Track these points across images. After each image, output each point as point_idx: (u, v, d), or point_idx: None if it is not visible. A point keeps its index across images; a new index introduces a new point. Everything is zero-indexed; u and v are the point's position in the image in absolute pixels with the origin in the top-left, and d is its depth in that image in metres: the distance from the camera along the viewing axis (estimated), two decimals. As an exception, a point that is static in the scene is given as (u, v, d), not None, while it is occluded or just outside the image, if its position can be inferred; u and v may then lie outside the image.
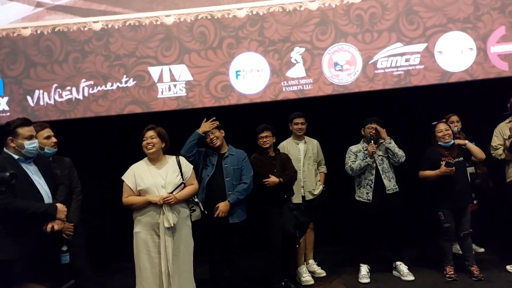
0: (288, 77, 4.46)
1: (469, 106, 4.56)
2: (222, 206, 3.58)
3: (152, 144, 3.27)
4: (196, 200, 3.47)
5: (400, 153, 4.02)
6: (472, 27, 4.38)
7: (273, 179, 3.77)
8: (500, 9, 4.34)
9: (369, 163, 4.01)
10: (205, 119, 3.76)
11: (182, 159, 3.42)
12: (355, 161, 4.04)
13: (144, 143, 3.28)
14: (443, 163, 3.83)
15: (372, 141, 4.02)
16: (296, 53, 4.44)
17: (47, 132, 3.29)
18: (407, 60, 4.42)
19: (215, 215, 3.55)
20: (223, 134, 3.79)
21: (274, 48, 4.45)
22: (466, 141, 3.98)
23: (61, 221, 2.90)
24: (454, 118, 4.35)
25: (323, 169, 4.41)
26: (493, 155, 4.15)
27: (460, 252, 4.11)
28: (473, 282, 3.80)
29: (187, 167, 3.39)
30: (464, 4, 4.37)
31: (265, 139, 3.90)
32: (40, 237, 2.83)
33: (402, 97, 4.66)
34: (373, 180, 4.02)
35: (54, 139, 3.31)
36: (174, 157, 3.40)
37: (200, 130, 3.71)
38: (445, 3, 4.38)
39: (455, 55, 4.40)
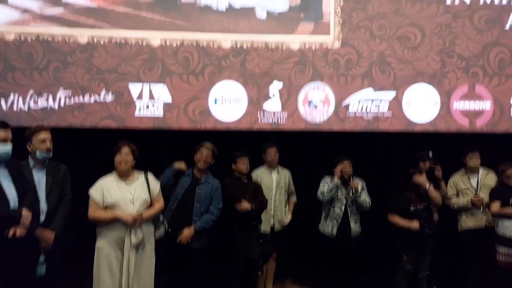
0: (265, 109, 4.62)
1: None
2: (187, 232, 3.62)
3: (125, 162, 3.31)
4: (161, 219, 3.50)
5: (367, 204, 4.18)
6: (438, 82, 4.71)
7: (245, 204, 3.85)
8: (464, 69, 4.71)
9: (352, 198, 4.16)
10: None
11: (150, 175, 3.47)
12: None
13: (118, 158, 3.32)
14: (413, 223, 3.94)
15: (351, 179, 4.16)
16: (274, 87, 4.63)
17: (44, 135, 3.22)
18: (376, 106, 4.68)
19: (178, 241, 3.59)
20: (212, 162, 3.86)
21: (254, 81, 4.62)
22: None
23: (24, 227, 2.85)
24: None
25: (294, 198, 4.54)
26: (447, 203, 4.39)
27: None
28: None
29: (155, 184, 3.46)
30: (433, 60, 4.71)
31: (246, 165, 4.01)
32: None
33: (369, 142, 4.87)
34: (341, 216, 4.15)
35: (48, 144, 3.21)
36: (142, 173, 3.45)
37: (176, 166, 3.85)
38: (415, 58, 4.71)
39: (421, 107, 4.69)
